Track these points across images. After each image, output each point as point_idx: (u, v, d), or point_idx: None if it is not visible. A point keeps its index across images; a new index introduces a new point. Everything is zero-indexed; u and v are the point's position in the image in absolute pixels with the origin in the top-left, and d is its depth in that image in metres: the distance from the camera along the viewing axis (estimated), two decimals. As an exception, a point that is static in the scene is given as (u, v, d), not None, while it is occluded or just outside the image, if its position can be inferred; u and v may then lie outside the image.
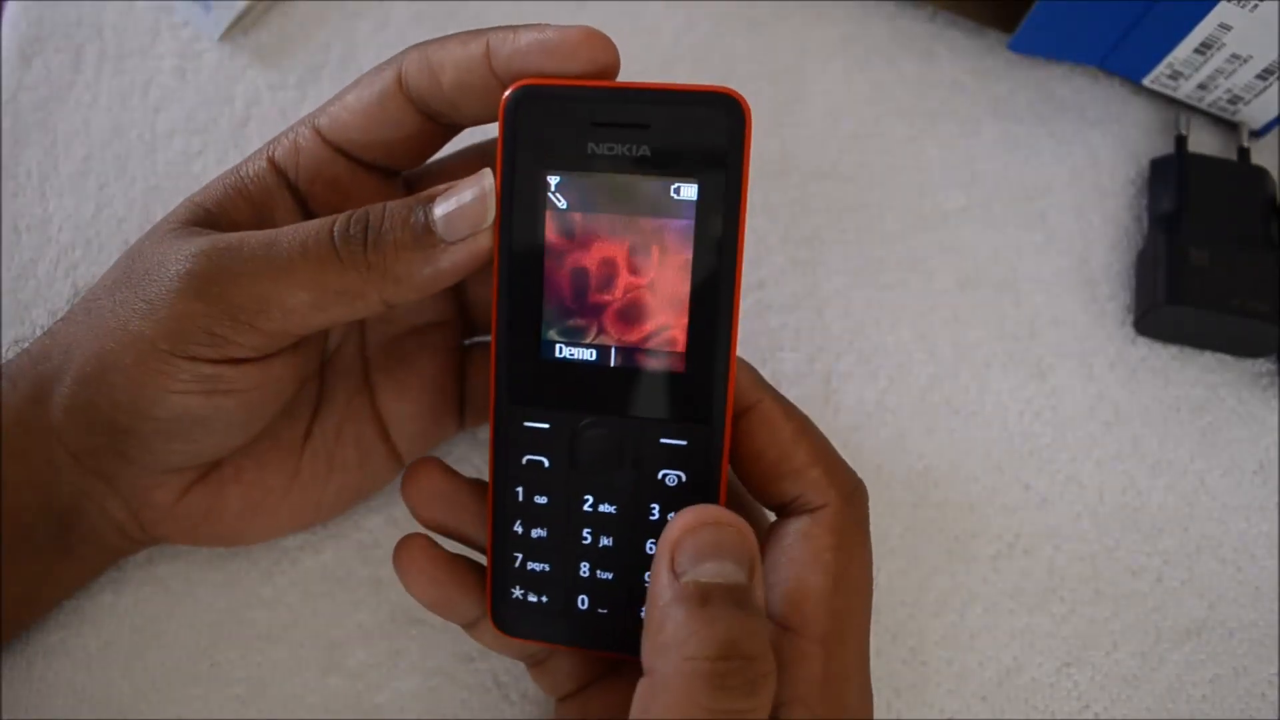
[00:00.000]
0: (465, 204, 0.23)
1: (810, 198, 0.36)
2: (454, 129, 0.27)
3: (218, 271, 0.23)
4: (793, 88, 0.37)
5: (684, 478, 0.24)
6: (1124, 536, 0.32)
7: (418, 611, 0.30)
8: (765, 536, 0.25)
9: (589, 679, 0.27)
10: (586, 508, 0.24)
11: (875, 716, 0.30)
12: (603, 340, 0.24)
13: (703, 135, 0.22)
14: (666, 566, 0.21)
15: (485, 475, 0.32)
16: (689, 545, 0.21)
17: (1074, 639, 0.31)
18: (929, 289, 0.35)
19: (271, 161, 0.26)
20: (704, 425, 0.23)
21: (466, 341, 0.31)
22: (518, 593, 0.25)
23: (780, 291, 0.34)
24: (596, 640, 0.25)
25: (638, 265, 0.23)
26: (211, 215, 0.26)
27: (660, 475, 0.24)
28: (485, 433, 0.31)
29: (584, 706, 0.27)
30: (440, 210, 0.23)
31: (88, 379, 0.25)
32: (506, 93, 0.23)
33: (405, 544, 0.25)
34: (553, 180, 0.23)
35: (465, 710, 0.29)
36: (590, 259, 0.23)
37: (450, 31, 0.34)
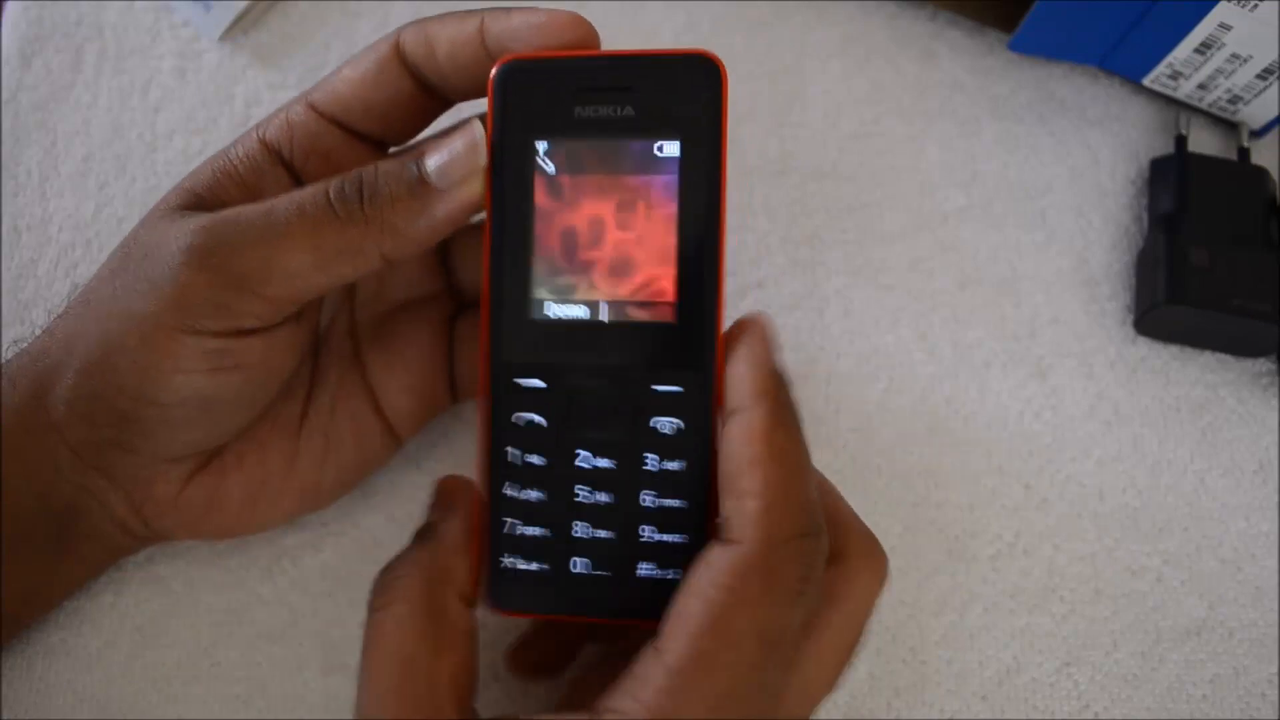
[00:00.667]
0: (457, 152, 0.24)
1: (810, 198, 0.36)
2: (444, 104, 0.27)
3: (218, 243, 0.24)
4: (792, 88, 0.37)
5: (680, 425, 0.24)
6: (1124, 536, 0.32)
7: (418, 611, 0.30)
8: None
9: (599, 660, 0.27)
10: (581, 463, 0.25)
11: (875, 717, 0.30)
12: (593, 295, 0.24)
13: (682, 95, 0.24)
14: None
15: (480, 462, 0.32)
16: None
17: (1074, 639, 0.31)
18: (929, 289, 0.35)
19: (262, 141, 0.27)
20: (697, 371, 0.24)
21: (455, 316, 0.31)
22: (509, 561, 0.25)
23: (780, 291, 0.34)
24: (594, 607, 0.25)
25: (625, 221, 0.24)
26: (202, 199, 0.26)
27: (653, 424, 0.24)
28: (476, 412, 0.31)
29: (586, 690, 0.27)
30: (433, 161, 0.24)
31: (91, 368, 0.25)
32: (495, 67, 0.24)
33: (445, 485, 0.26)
34: (540, 145, 0.24)
35: (465, 710, 0.29)
36: (579, 218, 0.24)
37: None
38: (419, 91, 0.27)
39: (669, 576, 0.25)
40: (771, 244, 0.35)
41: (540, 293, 0.24)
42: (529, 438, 0.25)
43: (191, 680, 0.29)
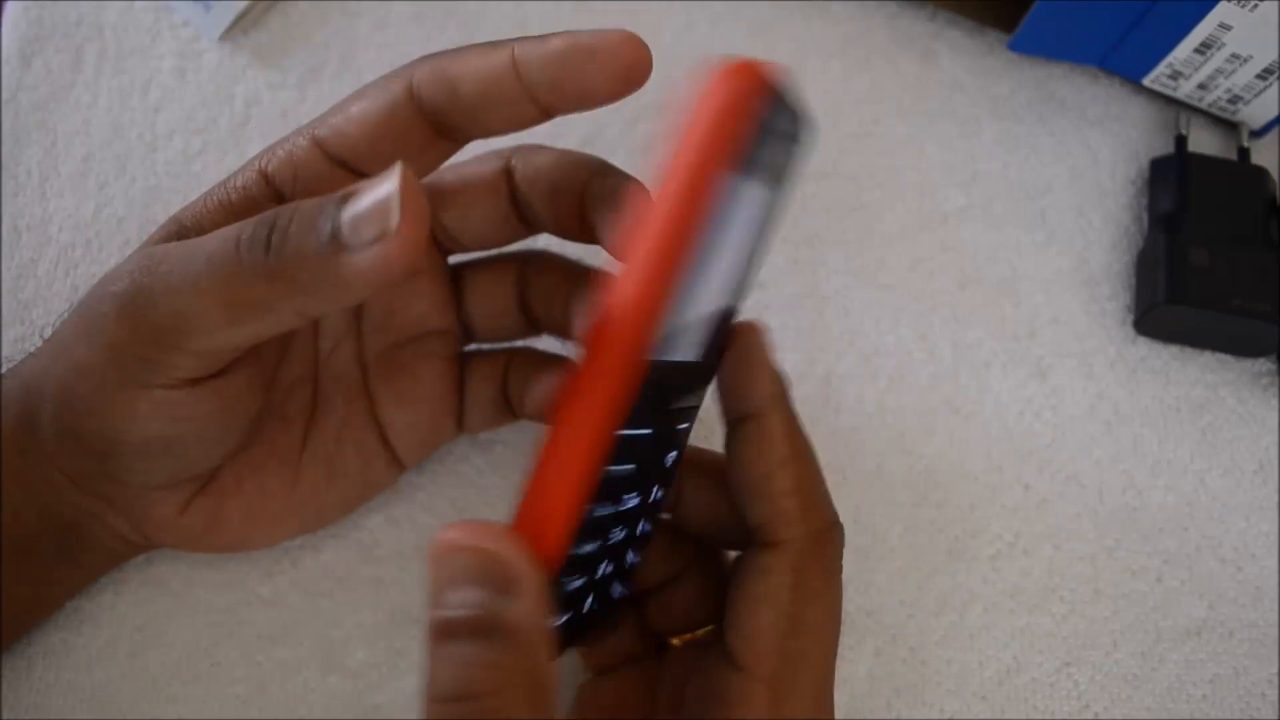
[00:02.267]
0: (362, 209, 0.20)
1: (810, 198, 0.36)
2: (460, 144, 0.26)
3: (136, 291, 0.22)
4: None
5: (677, 453, 0.24)
6: (1124, 536, 0.32)
7: (418, 611, 0.30)
8: (732, 566, 0.24)
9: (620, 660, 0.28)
10: (625, 505, 0.22)
11: (875, 717, 0.30)
12: None
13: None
14: (430, 597, 0.19)
15: (485, 475, 0.32)
16: (435, 576, 0.19)
17: (1074, 639, 0.31)
18: (929, 289, 0.35)
19: (263, 173, 0.25)
20: (699, 394, 0.24)
21: (466, 349, 0.30)
22: (560, 621, 0.22)
23: (780, 291, 0.34)
24: (583, 636, 0.25)
25: None
26: (185, 229, 0.25)
27: (669, 456, 0.24)
28: (482, 436, 0.31)
29: (598, 695, 0.27)
30: (349, 212, 0.21)
31: (61, 407, 0.25)
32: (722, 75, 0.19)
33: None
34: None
35: (465, 710, 0.29)
36: None
37: (450, 31, 0.33)
38: (432, 135, 0.24)
39: (627, 594, 0.25)
40: (771, 244, 0.35)
41: None
42: (620, 486, 0.21)
43: (191, 680, 0.29)
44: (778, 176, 0.22)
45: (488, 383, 0.29)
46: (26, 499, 0.26)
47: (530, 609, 0.19)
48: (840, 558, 0.24)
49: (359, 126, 0.24)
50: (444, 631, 0.19)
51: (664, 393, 0.21)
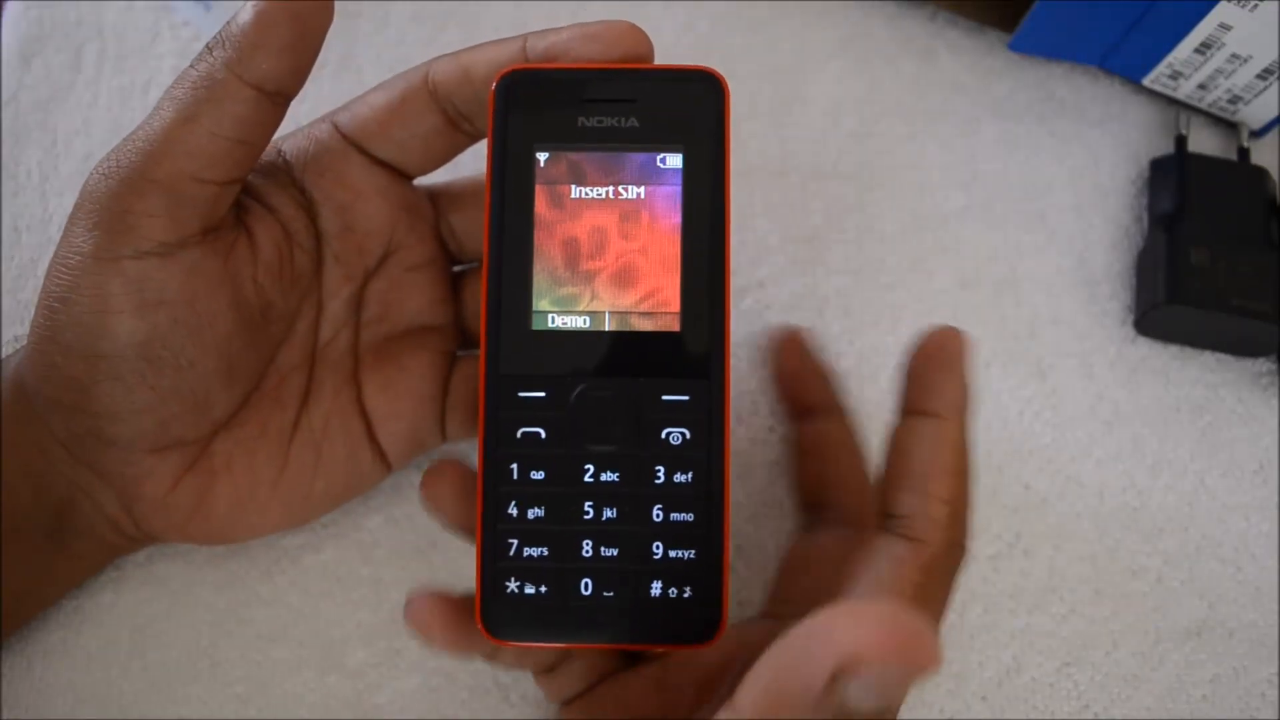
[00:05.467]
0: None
1: (810, 198, 0.36)
2: (472, 138, 0.27)
3: (112, 158, 0.25)
4: (793, 88, 0.37)
5: (688, 435, 0.24)
6: (1124, 536, 0.32)
7: (418, 611, 0.30)
8: (854, 541, 0.24)
9: (597, 679, 0.27)
10: (587, 479, 0.24)
11: (875, 716, 0.30)
12: (596, 306, 0.24)
13: (686, 108, 0.24)
14: (826, 663, 0.19)
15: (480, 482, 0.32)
16: (873, 671, 0.18)
17: (1074, 639, 0.31)
18: (929, 289, 0.35)
19: (279, 150, 0.27)
20: (704, 380, 0.24)
21: (459, 353, 0.30)
22: (512, 586, 0.24)
23: (780, 291, 0.34)
24: (602, 632, 0.24)
25: (628, 231, 0.24)
26: None
27: (664, 434, 0.24)
28: (467, 445, 0.31)
29: (590, 707, 0.27)
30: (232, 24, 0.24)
31: (43, 339, 0.25)
32: (496, 78, 0.24)
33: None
34: (542, 156, 0.24)
35: (465, 710, 0.29)
36: (580, 228, 0.24)
37: (450, 31, 0.34)
38: (446, 126, 0.27)
39: (685, 595, 0.24)
40: (771, 244, 0.35)
41: (542, 304, 0.24)
42: (532, 452, 0.24)
43: (191, 680, 0.29)
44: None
45: (469, 386, 0.29)
46: (20, 472, 0.26)
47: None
48: (957, 578, 0.24)
49: (373, 109, 0.27)
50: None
51: (559, 357, 0.24)
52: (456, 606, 0.25)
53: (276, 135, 0.26)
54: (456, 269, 0.31)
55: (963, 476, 0.23)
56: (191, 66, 0.24)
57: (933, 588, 0.23)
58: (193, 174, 0.24)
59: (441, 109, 0.26)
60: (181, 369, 0.26)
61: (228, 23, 0.24)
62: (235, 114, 0.24)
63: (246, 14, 0.24)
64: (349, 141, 0.27)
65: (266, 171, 0.27)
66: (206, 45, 0.24)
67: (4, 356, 0.27)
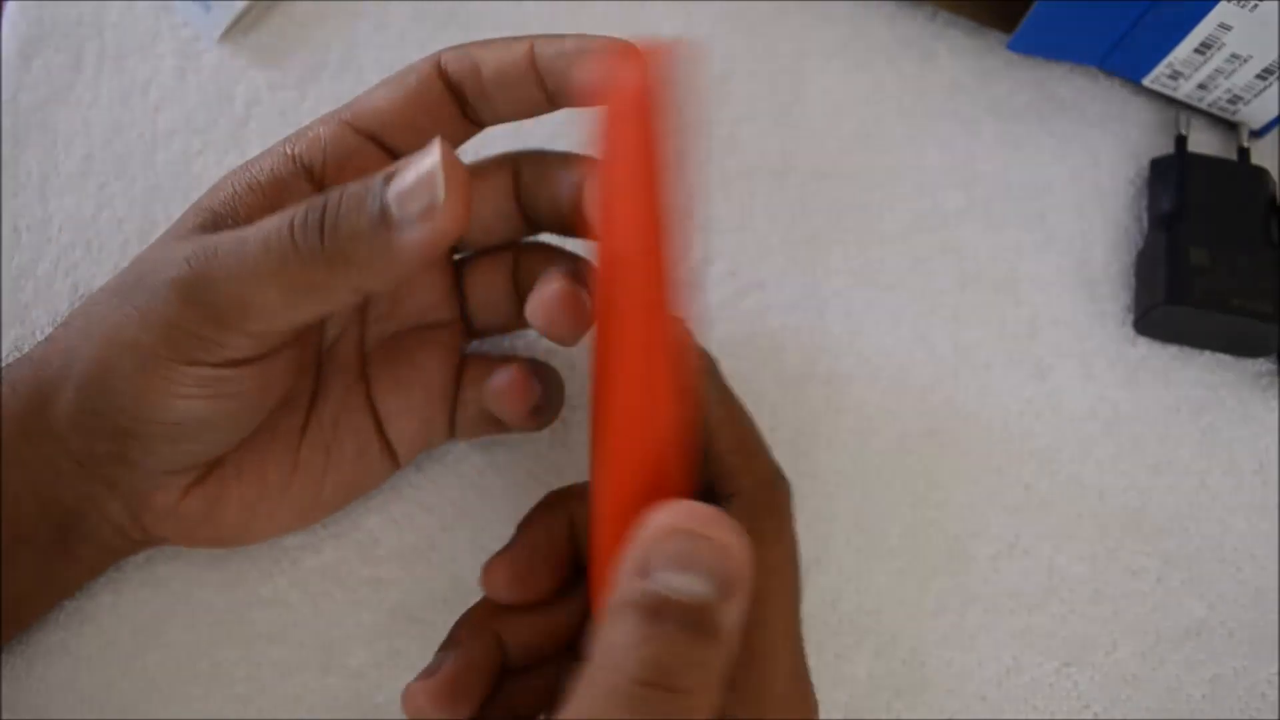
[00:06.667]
0: (407, 184, 0.22)
1: (810, 198, 0.36)
2: (476, 129, 0.27)
3: (198, 276, 0.23)
4: (793, 88, 0.37)
5: None
6: (1124, 537, 0.32)
7: (418, 611, 0.30)
8: None
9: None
10: None
11: (875, 717, 0.30)
12: None
13: None
14: (636, 563, 0.19)
15: (485, 475, 0.32)
16: (655, 548, 0.19)
17: (1074, 639, 0.31)
18: (929, 289, 0.35)
19: (291, 156, 0.26)
20: None
21: (467, 350, 0.30)
22: None
23: (780, 291, 0.34)
24: None
25: None
26: (219, 216, 0.25)
27: None
28: (467, 445, 0.31)
29: None
30: (394, 189, 0.22)
31: (90, 385, 0.25)
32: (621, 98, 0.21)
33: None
34: None
35: (465, 710, 0.29)
36: None
37: (450, 31, 0.35)
38: (456, 112, 0.27)
39: None
40: (771, 244, 0.35)
41: None
42: None
43: (191, 680, 0.29)
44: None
45: (478, 387, 0.29)
46: (26, 486, 0.26)
47: (739, 619, 0.19)
48: (790, 506, 0.24)
49: (388, 101, 0.26)
50: (657, 610, 0.18)
51: None
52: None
53: (277, 139, 0.26)
54: (455, 257, 0.30)
55: (737, 422, 0.24)
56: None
57: (765, 526, 0.23)
58: (283, 330, 0.24)
59: (454, 97, 0.26)
60: (238, 427, 0.26)
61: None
62: (336, 305, 0.24)
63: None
64: (364, 135, 0.26)
65: (284, 180, 0.26)
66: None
67: (12, 362, 0.27)
